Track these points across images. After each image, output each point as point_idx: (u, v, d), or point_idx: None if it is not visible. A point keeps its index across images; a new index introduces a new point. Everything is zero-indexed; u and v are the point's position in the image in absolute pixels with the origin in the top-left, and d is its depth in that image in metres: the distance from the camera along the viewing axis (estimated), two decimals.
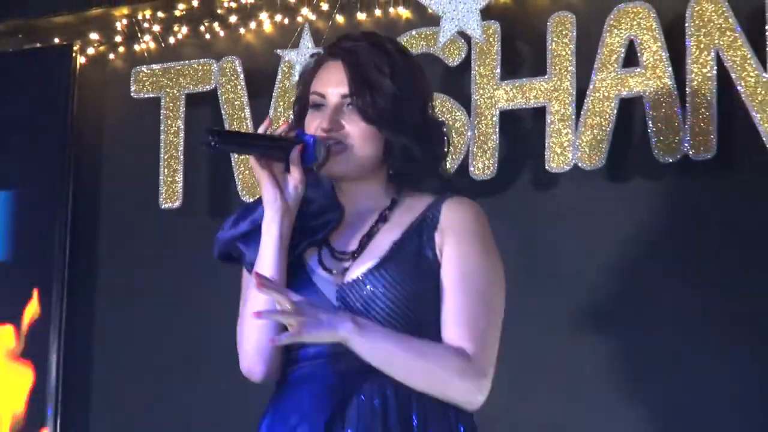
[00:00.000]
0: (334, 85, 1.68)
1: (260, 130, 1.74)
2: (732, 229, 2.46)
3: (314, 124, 1.69)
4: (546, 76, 2.56)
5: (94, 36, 3.05)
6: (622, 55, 2.50)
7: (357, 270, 1.67)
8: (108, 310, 3.09)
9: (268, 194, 1.71)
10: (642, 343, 2.54)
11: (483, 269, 1.65)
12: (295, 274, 1.72)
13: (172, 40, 2.97)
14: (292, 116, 1.84)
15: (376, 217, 1.70)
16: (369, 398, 1.65)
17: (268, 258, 1.74)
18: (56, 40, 3.10)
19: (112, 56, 3.07)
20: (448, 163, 2.06)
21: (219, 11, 2.90)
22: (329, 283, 1.68)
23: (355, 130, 1.68)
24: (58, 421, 3.07)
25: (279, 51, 2.82)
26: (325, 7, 2.77)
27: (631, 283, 2.58)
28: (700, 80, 2.42)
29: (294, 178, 1.68)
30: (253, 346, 1.76)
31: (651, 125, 2.43)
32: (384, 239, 1.68)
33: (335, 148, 1.69)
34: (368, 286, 1.66)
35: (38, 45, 3.14)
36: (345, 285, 1.66)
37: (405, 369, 1.69)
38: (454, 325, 1.63)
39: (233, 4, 2.88)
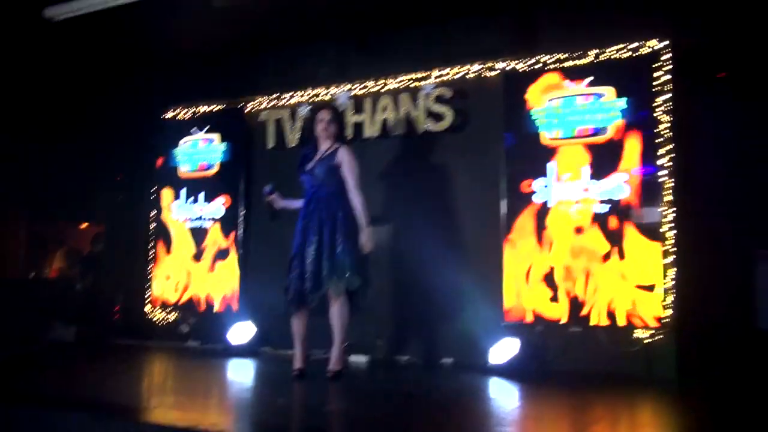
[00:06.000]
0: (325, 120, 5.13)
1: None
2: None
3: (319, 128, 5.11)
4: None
5: (256, 102, 6.70)
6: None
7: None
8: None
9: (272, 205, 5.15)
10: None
11: (354, 168, 5.02)
12: (308, 172, 5.06)
13: (295, 100, 6.56)
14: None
15: (327, 153, 5.10)
16: (333, 212, 4.99)
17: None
18: (243, 105, 6.86)
19: (254, 110, 6.72)
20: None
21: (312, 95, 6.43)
22: (313, 171, 5.07)
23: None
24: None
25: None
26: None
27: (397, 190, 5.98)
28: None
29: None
30: None
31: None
32: (323, 159, 5.10)
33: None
34: (317, 171, 5.05)
35: (236, 106, 6.71)
36: (314, 172, 5.05)
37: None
38: (352, 190, 4.96)
39: (318, 91, 6.45)
